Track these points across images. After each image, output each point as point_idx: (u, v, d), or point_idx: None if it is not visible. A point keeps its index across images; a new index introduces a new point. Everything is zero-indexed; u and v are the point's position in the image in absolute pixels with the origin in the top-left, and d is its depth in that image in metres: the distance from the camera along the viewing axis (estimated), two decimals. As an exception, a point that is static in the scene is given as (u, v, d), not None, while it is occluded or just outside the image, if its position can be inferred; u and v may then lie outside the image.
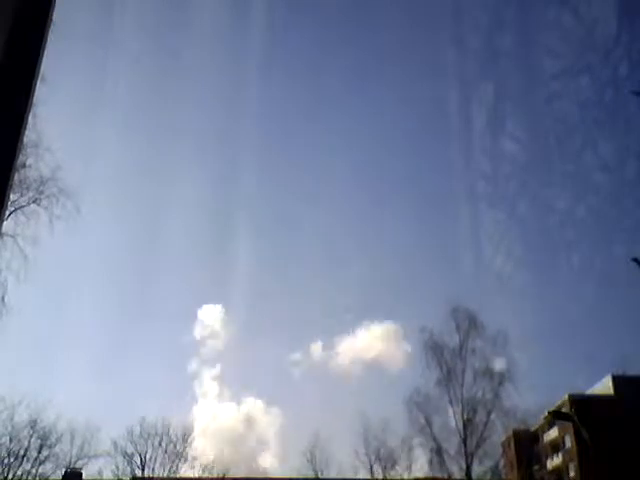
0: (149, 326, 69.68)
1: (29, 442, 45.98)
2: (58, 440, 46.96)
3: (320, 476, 54.35)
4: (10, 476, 44.96)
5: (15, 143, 1.84)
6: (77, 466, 48.17)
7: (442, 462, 49.51)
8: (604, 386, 55.28)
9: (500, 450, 54.22)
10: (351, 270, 65.22)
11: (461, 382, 50.80)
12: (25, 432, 45.82)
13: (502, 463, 55.12)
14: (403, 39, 64.03)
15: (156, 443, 51.87)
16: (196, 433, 57.52)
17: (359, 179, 67.59)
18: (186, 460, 52.17)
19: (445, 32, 63.19)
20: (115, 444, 50.36)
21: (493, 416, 50.17)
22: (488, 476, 50.92)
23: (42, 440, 46.41)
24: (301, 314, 70.47)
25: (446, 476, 49.34)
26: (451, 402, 50.54)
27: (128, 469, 51.19)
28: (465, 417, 50.00)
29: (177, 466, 52.16)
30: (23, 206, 28.42)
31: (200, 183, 64.76)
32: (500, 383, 50.21)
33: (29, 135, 22.62)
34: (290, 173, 68.98)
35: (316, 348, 68.89)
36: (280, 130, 65.58)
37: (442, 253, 66.39)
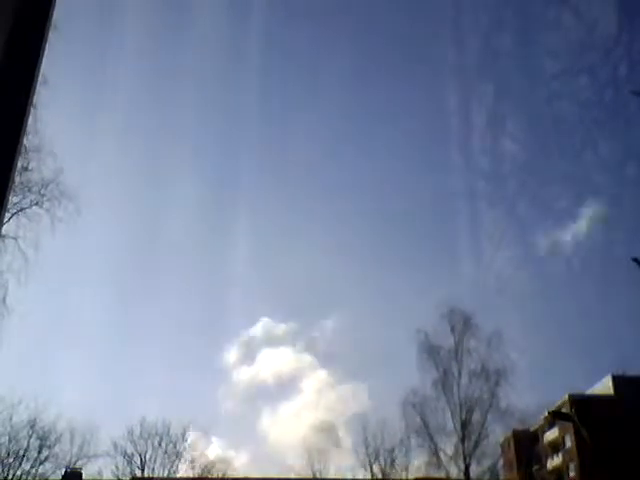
0: (149, 326, 69.66)
1: (29, 442, 46.01)
2: (58, 440, 47.02)
3: (318, 476, 54.42)
4: (10, 476, 44.95)
5: (15, 145, 1.83)
6: (77, 466, 48.19)
7: (440, 463, 49.66)
8: (604, 386, 55.30)
9: (498, 450, 54.27)
10: (348, 269, 65.21)
11: (457, 383, 50.97)
12: (25, 432, 45.85)
13: (500, 463, 55.19)
14: (403, 39, 63.99)
15: (156, 443, 51.96)
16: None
17: (359, 179, 67.57)
18: (186, 460, 52.30)
19: (445, 32, 63.24)
20: (115, 444, 50.46)
21: (490, 416, 50.34)
22: (486, 476, 50.99)
23: (42, 440, 46.44)
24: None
25: (444, 476, 49.39)
26: (448, 403, 50.68)
27: (128, 469, 51.26)
28: (462, 418, 50.08)
29: (177, 466, 52.26)
30: (25, 208, 28.58)
31: (200, 184, 64.68)
32: (496, 383, 50.36)
33: (31, 138, 22.67)
34: (290, 173, 69.02)
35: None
36: (280, 130, 65.59)
37: (440, 253, 66.52)
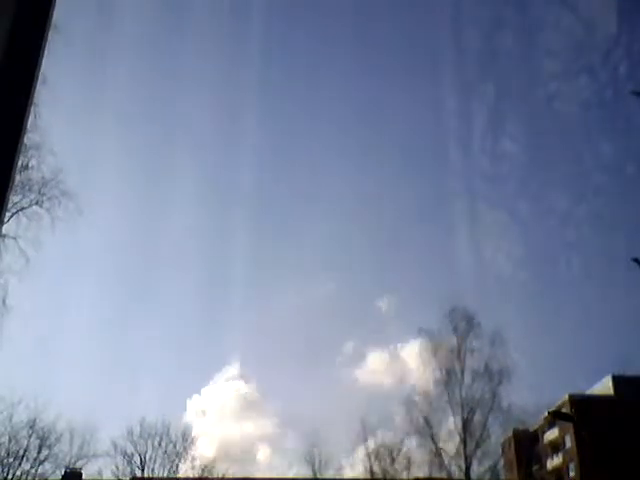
0: (149, 326, 69.67)
1: (28, 442, 45.95)
2: (57, 440, 46.94)
3: (319, 476, 54.39)
4: (9, 476, 44.91)
5: (15, 144, 1.84)
6: (77, 466, 48.16)
7: (441, 462, 49.61)
8: (604, 386, 55.31)
9: (499, 450, 54.22)
10: (348, 271, 65.22)
11: (460, 382, 50.91)
12: (24, 432, 45.77)
13: (501, 463, 55.14)
14: (403, 39, 64.06)
15: (156, 443, 51.95)
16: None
17: (358, 179, 67.51)
18: (186, 460, 52.28)
19: (445, 32, 63.16)
20: (115, 444, 50.44)
21: (492, 416, 50.28)
22: (487, 476, 50.90)
23: (41, 440, 46.37)
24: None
25: (445, 476, 49.36)
26: (450, 402, 50.63)
27: (128, 469, 51.22)
28: (464, 417, 50.06)
29: (177, 466, 52.24)
30: (25, 208, 28.51)
31: (200, 184, 64.65)
32: (499, 383, 50.31)
33: (31, 137, 22.66)
34: (289, 174, 69.02)
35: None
36: (279, 131, 65.65)
37: (441, 253, 66.53)
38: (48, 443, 46.63)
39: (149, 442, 51.70)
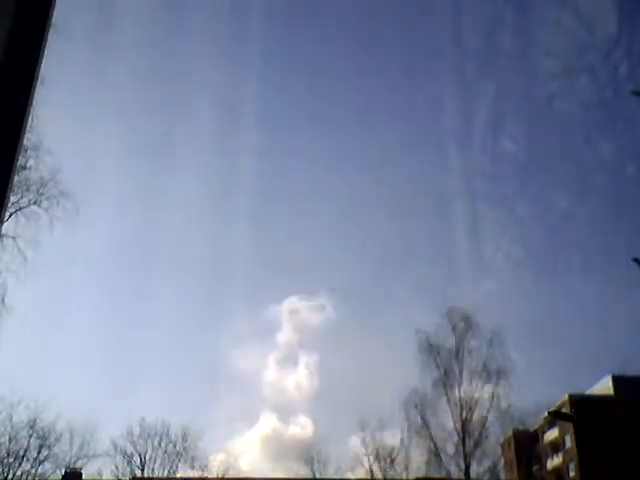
0: (148, 326, 69.65)
1: (28, 442, 45.97)
2: (57, 440, 46.97)
3: (318, 476, 54.39)
4: (10, 476, 44.92)
5: (15, 144, 1.84)
6: (77, 466, 48.18)
7: (440, 462, 49.61)
8: (604, 386, 55.31)
9: (499, 450, 54.24)
10: (346, 271, 65.14)
11: (458, 383, 50.95)
12: (24, 432, 45.81)
13: (501, 463, 55.15)
14: (402, 39, 63.94)
15: (156, 443, 51.96)
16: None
17: (358, 178, 67.48)
18: (186, 460, 52.28)
19: (445, 32, 63.08)
20: (115, 444, 50.45)
21: (491, 416, 50.30)
22: (487, 476, 50.90)
23: (41, 440, 46.40)
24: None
25: (445, 477, 49.36)
26: (448, 403, 50.65)
27: (128, 469, 51.24)
28: (463, 417, 50.06)
29: (177, 466, 52.25)
30: (23, 207, 28.56)
31: (200, 184, 64.57)
32: (497, 383, 50.35)
33: (30, 137, 22.68)
34: (289, 174, 68.94)
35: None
36: (279, 131, 65.57)
37: (440, 253, 66.45)
38: (48, 443, 46.73)
39: (149, 442, 51.79)
